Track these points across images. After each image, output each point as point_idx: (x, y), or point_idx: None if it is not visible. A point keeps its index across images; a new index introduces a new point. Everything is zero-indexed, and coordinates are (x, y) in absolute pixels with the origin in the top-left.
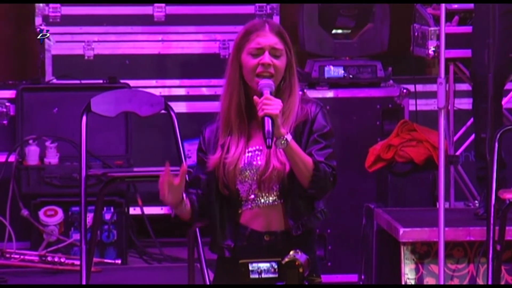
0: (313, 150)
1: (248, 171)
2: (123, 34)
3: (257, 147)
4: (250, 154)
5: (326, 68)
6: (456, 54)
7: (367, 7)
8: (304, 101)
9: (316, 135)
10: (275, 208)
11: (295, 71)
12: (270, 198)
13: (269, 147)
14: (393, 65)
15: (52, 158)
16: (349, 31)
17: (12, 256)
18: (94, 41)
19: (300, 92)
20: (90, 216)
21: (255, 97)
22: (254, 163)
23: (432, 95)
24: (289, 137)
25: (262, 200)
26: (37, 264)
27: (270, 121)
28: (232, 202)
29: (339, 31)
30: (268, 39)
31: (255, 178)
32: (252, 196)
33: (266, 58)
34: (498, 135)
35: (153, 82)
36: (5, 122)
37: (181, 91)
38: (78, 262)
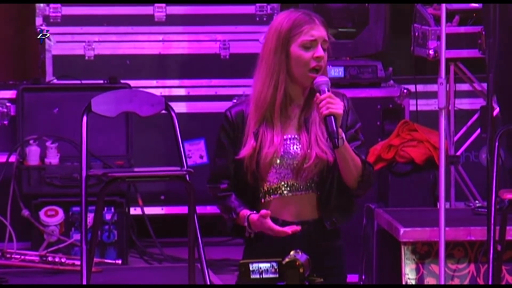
0: (353, 148)
1: (285, 160)
2: (123, 34)
3: (293, 135)
4: (287, 142)
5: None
6: (456, 54)
7: (361, 8)
8: (334, 93)
9: (353, 130)
10: (306, 197)
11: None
12: (303, 186)
13: (337, 147)
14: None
15: (53, 158)
16: (354, 29)
17: (13, 256)
18: (95, 41)
19: None
20: (90, 216)
21: (317, 95)
22: (292, 151)
23: (433, 95)
24: (344, 136)
25: (293, 189)
26: (38, 264)
27: (334, 120)
28: (256, 189)
29: (343, 30)
30: (321, 31)
31: (291, 166)
32: (284, 185)
33: (320, 51)
34: (499, 135)
35: (153, 82)
36: (5, 122)
37: (182, 91)
38: (78, 262)
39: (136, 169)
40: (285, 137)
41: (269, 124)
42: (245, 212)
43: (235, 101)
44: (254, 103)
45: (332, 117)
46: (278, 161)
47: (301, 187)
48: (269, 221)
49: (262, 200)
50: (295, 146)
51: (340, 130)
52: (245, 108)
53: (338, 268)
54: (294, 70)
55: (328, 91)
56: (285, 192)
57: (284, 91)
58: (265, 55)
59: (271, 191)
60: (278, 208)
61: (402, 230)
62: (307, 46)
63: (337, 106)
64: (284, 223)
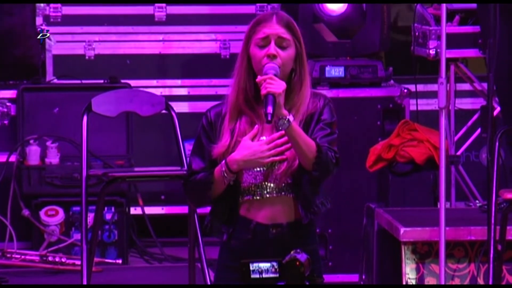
0: (318, 137)
1: None
2: (124, 34)
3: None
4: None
5: (327, 68)
6: (457, 54)
7: (357, 8)
8: (314, 95)
9: (322, 123)
10: (280, 200)
11: (305, 63)
12: (276, 189)
13: (269, 122)
14: None
15: (53, 158)
16: (353, 29)
17: (13, 256)
18: (95, 41)
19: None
20: (91, 216)
21: (258, 77)
22: None
23: (433, 95)
24: (291, 117)
25: (266, 192)
26: (38, 264)
27: (272, 99)
28: (232, 190)
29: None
30: (274, 29)
31: (262, 169)
32: (256, 187)
33: (272, 49)
34: (499, 135)
35: (154, 82)
36: (6, 122)
37: (182, 91)
38: (79, 262)
39: (136, 169)
40: (260, 139)
41: (245, 124)
42: (218, 166)
43: None
44: (229, 102)
45: (271, 96)
46: None
47: (274, 189)
48: (244, 139)
49: (239, 200)
50: None
51: (285, 112)
52: (223, 108)
53: (315, 271)
54: (255, 69)
55: (275, 76)
56: (258, 194)
57: (245, 91)
58: (237, 58)
59: (245, 192)
60: (252, 210)
61: (402, 230)
62: (261, 45)
63: (276, 86)
64: (258, 225)
